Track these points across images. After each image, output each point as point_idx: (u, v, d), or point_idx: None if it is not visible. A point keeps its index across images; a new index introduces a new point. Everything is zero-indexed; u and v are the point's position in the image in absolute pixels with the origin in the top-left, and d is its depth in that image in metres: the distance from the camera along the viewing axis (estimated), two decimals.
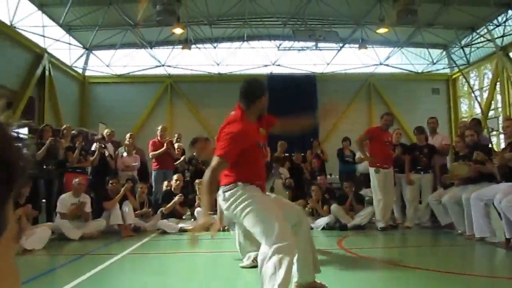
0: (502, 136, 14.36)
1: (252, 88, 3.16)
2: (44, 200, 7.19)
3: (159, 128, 8.84)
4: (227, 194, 2.86)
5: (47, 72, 13.66)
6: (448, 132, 16.02)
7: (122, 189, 6.99)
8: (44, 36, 13.64)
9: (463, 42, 15.94)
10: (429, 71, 17.48)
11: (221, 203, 3.01)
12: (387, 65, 17.58)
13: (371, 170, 7.03)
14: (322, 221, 7.15)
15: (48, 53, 13.84)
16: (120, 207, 6.87)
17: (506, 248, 5.01)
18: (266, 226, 2.64)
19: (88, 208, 6.68)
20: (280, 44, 16.66)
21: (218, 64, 17.06)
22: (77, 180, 6.73)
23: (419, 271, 3.98)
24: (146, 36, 15.59)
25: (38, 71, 13.20)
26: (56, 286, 3.44)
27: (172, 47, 16.51)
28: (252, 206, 2.76)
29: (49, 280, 3.92)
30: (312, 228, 7.17)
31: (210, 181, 2.77)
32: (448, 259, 4.83)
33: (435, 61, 17.10)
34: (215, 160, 2.79)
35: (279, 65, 17.31)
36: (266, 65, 17.24)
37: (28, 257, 5.01)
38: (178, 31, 13.66)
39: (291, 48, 16.69)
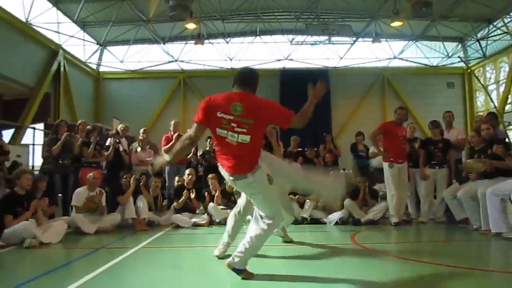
0: None
1: (255, 75, 3.49)
2: (60, 195, 7.29)
3: (172, 123, 8.86)
4: (256, 175, 3.32)
5: (62, 68, 13.83)
6: (464, 126, 15.82)
7: (131, 182, 7.03)
8: (59, 33, 13.80)
9: (479, 35, 15.67)
10: (444, 65, 17.25)
11: (251, 185, 3.37)
12: (401, 58, 17.42)
13: (385, 165, 6.97)
14: (336, 215, 7.13)
15: (63, 49, 13.99)
16: (135, 202, 6.94)
17: None
18: (273, 208, 3.48)
19: (103, 202, 6.76)
20: (292, 39, 16.59)
21: (230, 59, 17.07)
22: (91, 174, 6.81)
23: (433, 266, 3.95)
24: (159, 32, 15.67)
25: (53, 67, 13.37)
26: (72, 279, 3.49)
27: (185, 42, 16.57)
28: (269, 189, 3.42)
29: (65, 273, 3.98)
30: (325, 223, 7.18)
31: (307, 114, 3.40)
32: (462, 254, 4.77)
33: (450, 54, 16.86)
34: (290, 118, 3.31)
35: (291, 59, 17.24)
36: (278, 60, 17.20)
37: (45, 250, 5.10)
38: (191, 26, 13.69)
39: (304, 43, 16.61)
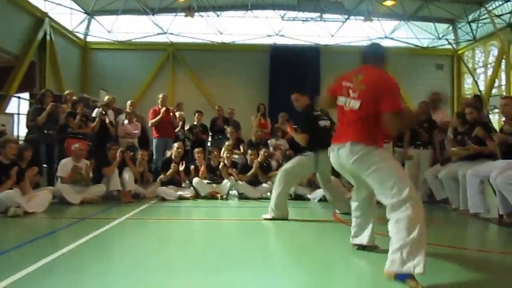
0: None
1: (384, 50, 3.43)
2: (45, 165, 7.26)
3: (160, 96, 8.83)
4: (362, 151, 2.94)
5: (48, 37, 13.56)
6: (451, 108, 15.96)
7: (117, 155, 7.01)
8: (45, 0, 13.46)
9: (470, 17, 15.68)
10: (434, 46, 17.27)
11: (348, 155, 2.99)
12: (392, 38, 17.37)
13: None
14: (319, 193, 7.19)
15: (50, 18, 13.68)
16: (120, 174, 6.95)
17: (499, 224, 5.09)
18: (399, 180, 2.83)
19: (90, 174, 6.77)
20: (284, 14, 16.42)
21: (221, 33, 16.86)
22: (77, 145, 6.79)
23: None
24: (149, 2, 15.37)
25: (39, 36, 13.11)
26: (57, 247, 3.52)
27: (174, 14, 16.29)
28: (384, 164, 2.92)
29: (49, 242, 4.01)
30: (309, 199, 7.29)
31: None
32: (441, 233, 4.88)
33: (441, 36, 16.87)
34: (391, 117, 2.90)
35: (283, 35, 17.10)
36: (269, 35, 17.05)
37: (30, 220, 5.12)
38: None
39: (296, 19, 16.46)
